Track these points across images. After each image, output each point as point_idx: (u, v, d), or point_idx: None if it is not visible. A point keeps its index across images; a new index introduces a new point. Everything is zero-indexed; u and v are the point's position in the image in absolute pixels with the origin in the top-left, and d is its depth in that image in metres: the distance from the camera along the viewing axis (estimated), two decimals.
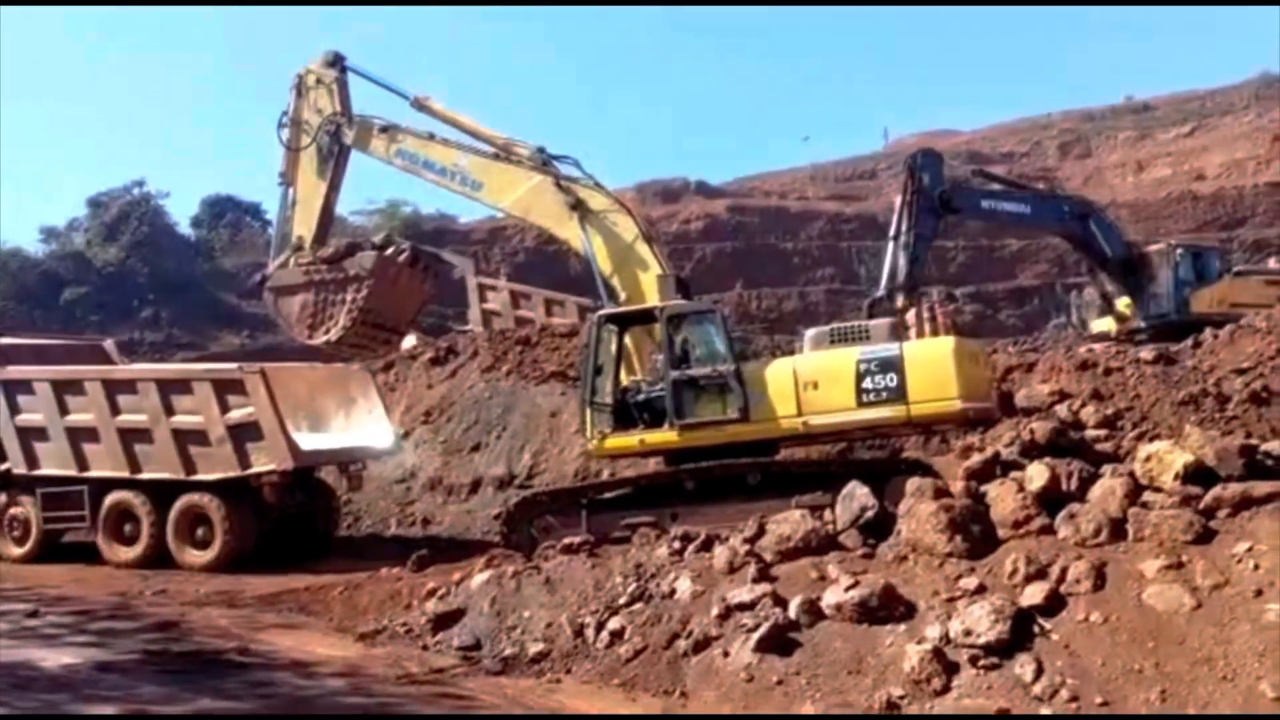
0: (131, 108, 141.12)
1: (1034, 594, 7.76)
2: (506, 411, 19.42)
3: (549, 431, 18.89)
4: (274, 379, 14.56)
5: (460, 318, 33.94)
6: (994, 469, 9.39)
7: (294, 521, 15.62)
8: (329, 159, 15.15)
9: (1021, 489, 8.77)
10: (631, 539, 11.26)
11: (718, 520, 11.09)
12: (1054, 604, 7.70)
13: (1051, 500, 8.65)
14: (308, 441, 14.81)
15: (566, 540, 11.03)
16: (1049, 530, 8.46)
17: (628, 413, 12.67)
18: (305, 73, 15.37)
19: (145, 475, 15.07)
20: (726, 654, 8.32)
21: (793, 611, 8.41)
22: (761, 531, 9.67)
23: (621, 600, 9.43)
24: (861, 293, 46.02)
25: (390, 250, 15.67)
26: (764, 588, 8.81)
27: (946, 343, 11.87)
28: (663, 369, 12.47)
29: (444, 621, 10.00)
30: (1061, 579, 7.86)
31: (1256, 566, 7.38)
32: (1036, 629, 7.57)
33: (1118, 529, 8.19)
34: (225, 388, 14.58)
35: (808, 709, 7.66)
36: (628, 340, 13.46)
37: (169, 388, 14.93)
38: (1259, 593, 7.18)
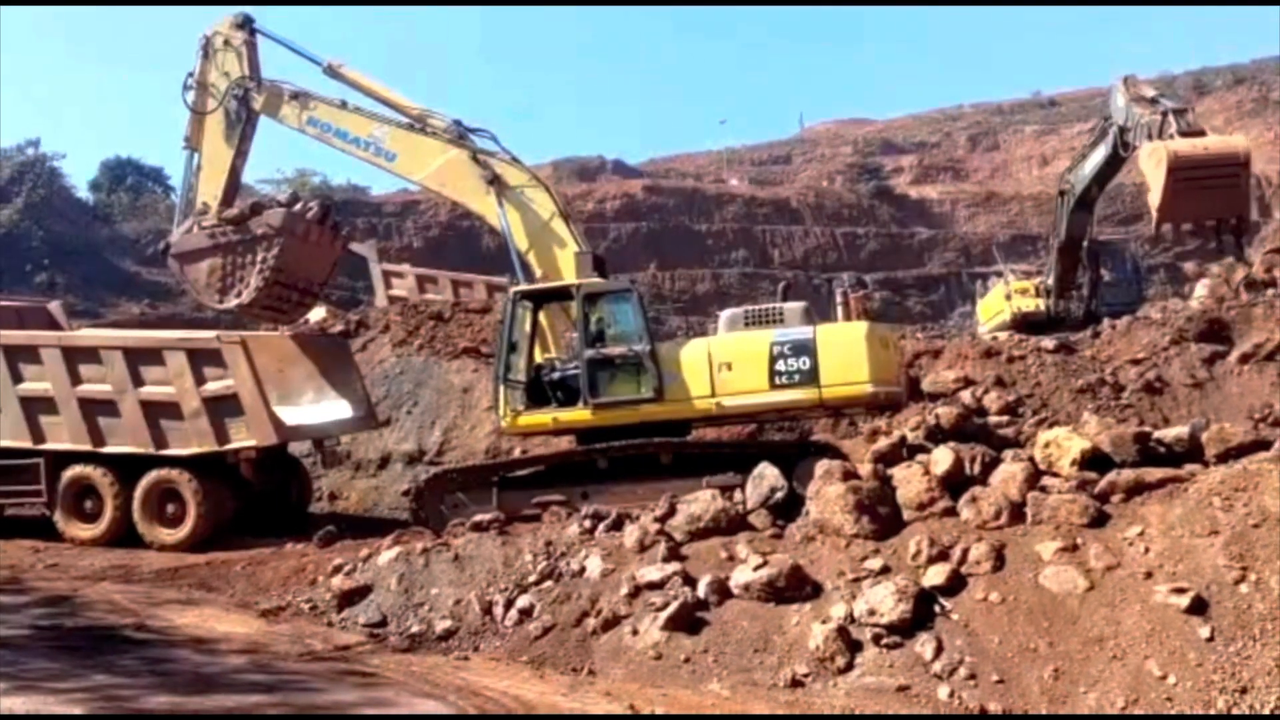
0: (25, 64, 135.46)
1: (936, 575, 7.98)
2: (417, 387, 19.20)
3: (460, 408, 18.72)
4: (254, 349, 13.88)
5: (371, 291, 33.47)
6: (901, 452, 9.60)
7: (267, 497, 14.97)
8: (236, 124, 14.66)
9: (927, 472, 8.98)
10: (542, 517, 11.25)
11: (629, 499, 11.15)
12: (955, 584, 7.92)
13: (955, 483, 8.89)
14: (289, 416, 14.15)
15: (477, 518, 10.98)
16: (952, 512, 8.69)
17: (541, 391, 12.60)
18: (212, 34, 14.84)
19: (110, 449, 14.23)
20: (635, 632, 8.38)
21: (702, 590, 8.50)
22: (672, 511, 9.74)
23: (531, 578, 9.43)
24: (775, 276, 46.58)
25: (299, 206, 15.15)
26: (674, 567, 8.89)
27: (859, 327, 12.03)
28: (578, 347, 12.42)
29: (350, 598, 9.88)
30: (963, 560, 8.09)
31: (1147, 550, 7.68)
32: (938, 609, 7.79)
33: (1017, 512, 8.45)
34: (202, 358, 13.85)
35: (714, 686, 7.75)
36: (542, 317, 13.37)
37: (138, 357, 14.07)
38: (1149, 575, 7.46)
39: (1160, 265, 51.72)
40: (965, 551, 8.15)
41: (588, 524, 10.16)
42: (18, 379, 14.46)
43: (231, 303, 14.57)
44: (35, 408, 14.43)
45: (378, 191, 59.77)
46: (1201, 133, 19.19)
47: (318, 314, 22.20)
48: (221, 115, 14.67)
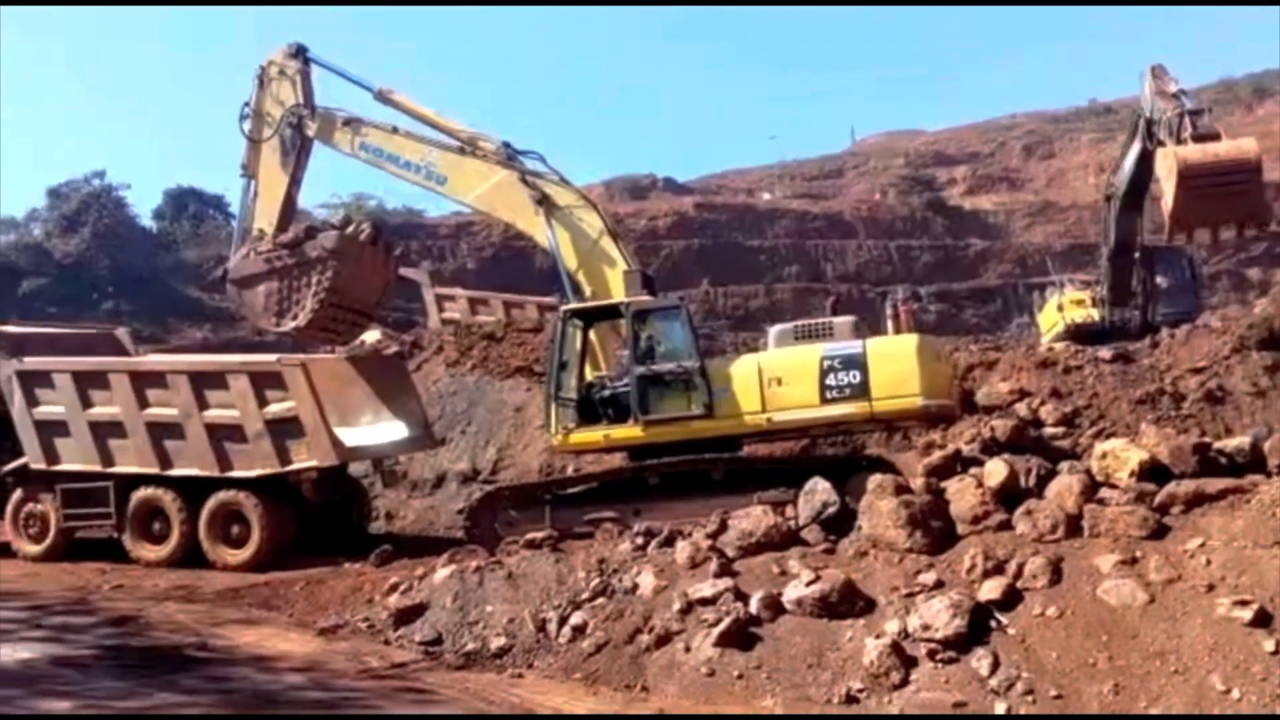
0: (94, 98, 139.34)
1: (991, 589, 7.87)
2: (471, 406, 19.38)
3: (513, 427, 18.86)
4: (314, 371, 14.13)
5: (426, 313, 33.86)
6: (954, 466, 9.51)
7: (327, 517, 15.11)
8: (291, 151, 14.96)
9: (981, 485, 8.89)
10: (595, 534, 11.28)
11: (681, 516, 11.13)
12: (1011, 599, 7.81)
13: (1010, 496, 8.78)
14: (349, 436, 14.31)
15: (530, 535, 11.01)
16: (1007, 526, 8.58)
17: (592, 408, 12.66)
18: (268, 64, 15.18)
19: (176, 472, 14.45)
20: (688, 648, 8.36)
21: (754, 606, 8.47)
22: (724, 527, 9.72)
23: (584, 595, 9.44)
24: (828, 290, 46.33)
25: (351, 228, 15.39)
26: (726, 583, 8.86)
27: (910, 340, 11.96)
28: (628, 364, 12.48)
29: (406, 616, 9.97)
30: (1018, 574, 7.98)
31: (1208, 562, 7.53)
32: (993, 623, 7.68)
33: (1074, 525, 8.32)
34: (263, 381, 14.05)
35: (768, 703, 7.71)
36: (593, 336, 13.45)
37: (202, 380, 14.30)
38: (1210, 588, 7.31)
39: (1223, 272, 50.60)
40: (1021, 565, 8.04)
41: (640, 541, 10.17)
42: (87, 404, 14.77)
43: (288, 325, 14.81)
44: (104, 432, 14.74)
45: (432, 214, 60.40)
46: (1216, 136, 19.05)
47: (373, 336, 22.49)
48: (277, 143, 14.96)
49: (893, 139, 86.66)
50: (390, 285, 16.85)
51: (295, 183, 15.28)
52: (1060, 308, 28.76)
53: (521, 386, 19.56)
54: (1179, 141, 18.73)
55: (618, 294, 12.98)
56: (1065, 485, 8.65)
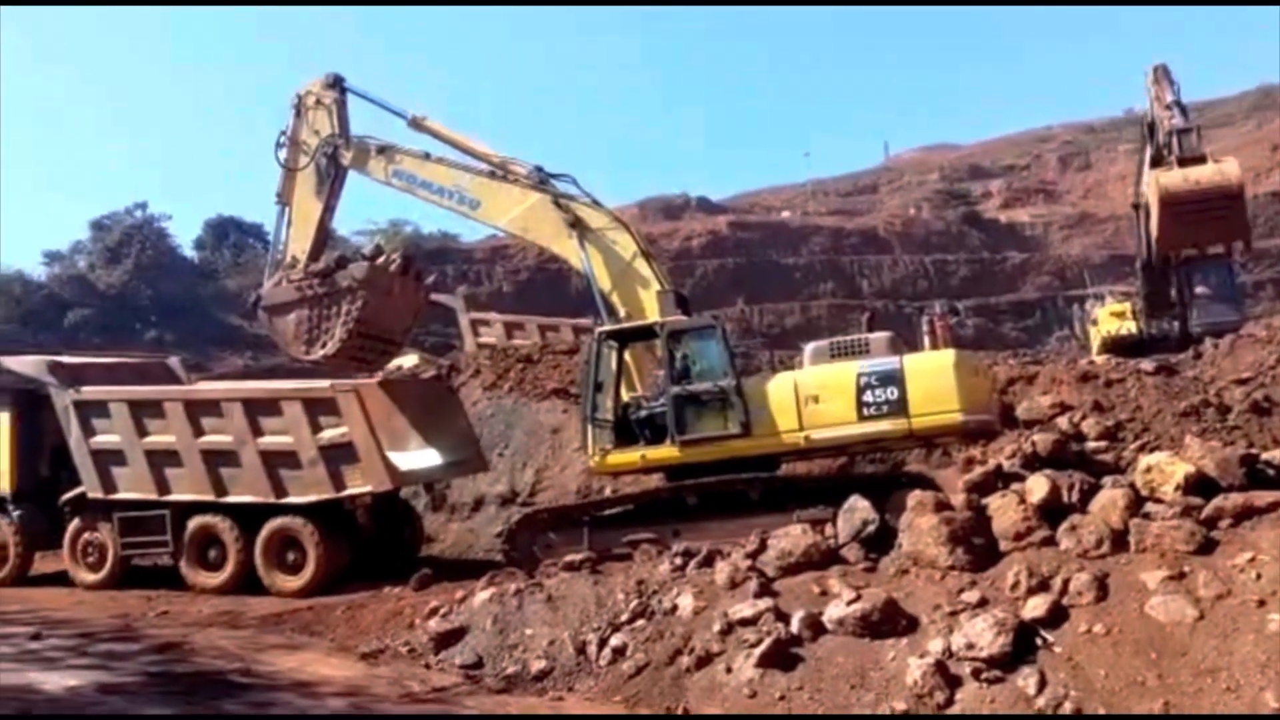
0: (135, 130, 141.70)
1: (1036, 606, 7.75)
2: (508, 429, 19.42)
3: (551, 449, 18.88)
4: (366, 396, 14.18)
5: (461, 337, 34.10)
6: (995, 481, 9.39)
7: (380, 542, 15.14)
8: (326, 180, 15.14)
9: (1023, 501, 8.77)
10: (633, 556, 11.25)
11: (719, 536, 11.07)
12: (1056, 616, 7.68)
13: (1053, 512, 8.65)
14: (402, 460, 14.34)
15: (568, 557, 11.02)
16: (1050, 542, 8.46)
17: (629, 429, 12.66)
18: (305, 93, 15.39)
19: (231, 499, 14.58)
20: (729, 670, 8.30)
21: (795, 626, 8.39)
22: (763, 546, 9.66)
23: (624, 617, 9.41)
24: (864, 306, 46.13)
25: (381, 259, 15.54)
26: (766, 603, 8.79)
27: (947, 355, 11.87)
28: (664, 385, 12.47)
29: (446, 640, 9.98)
30: (1064, 591, 7.85)
31: (1259, 576, 7.37)
32: (1039, 641, 7.55)
33: (1119, 540, 8.19)
34: (317, 407, 14.13)
35: None
36: (628, 356, 13.46)
37: (256, 408, 14.45)
38: (1261, 603, 7.16)
39: (1267, 280, 49.85)
40: (1066, 582, 7.92)
41: (679, 561, 10.13)
42: (143, 433, 14.92)
43: (318, 354, 14.95)
44: (160, 460, 14.88)
45: (467, 239, 60.97)
46: (1201, 159, 19.31)
47: (410, 360, 22.67)
48: (312, 171, 15.14)
49: (927, 154, 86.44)
50: (421, 313, 17.00)
51: (329, 211, 15.46)
52: (1094, 321, 28.45)
53: (558, 408, 19.60)
54: (1168, 159, 19.05)
55: (652, 315, 12.98)
56: (1110, 500, 8.51)
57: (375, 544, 15.05)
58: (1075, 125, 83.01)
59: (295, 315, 15.01)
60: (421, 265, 17.09)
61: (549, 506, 14.79)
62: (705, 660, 8.54)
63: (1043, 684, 7.22)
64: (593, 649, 9.19)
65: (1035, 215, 70.27)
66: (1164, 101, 20.34)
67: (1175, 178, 18.77)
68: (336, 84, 15.35)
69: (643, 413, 12.69)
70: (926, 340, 12.49)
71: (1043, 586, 7.96)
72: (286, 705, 8.44)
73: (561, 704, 8.56)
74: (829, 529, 9.84)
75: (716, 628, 8.74)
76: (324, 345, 14.83)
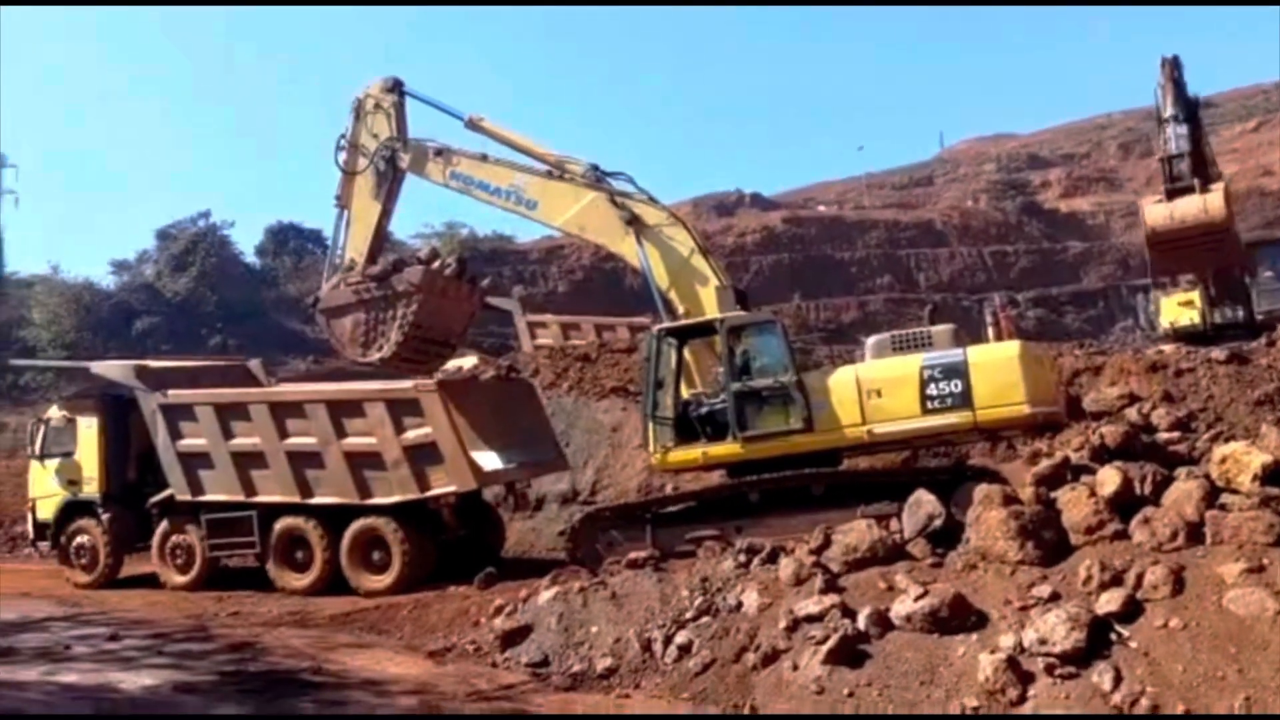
0: (197, 139, 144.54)
1: (1110, 601, 7.61)
2: (569, 428, 19.49)
3: (611, 447, 18.93)
4: (450, 396, 14.19)
5: (518, 339, 34.27)
6: (1064, 474, 9.25)
7: (462, 542, 15.18)
8: (384, 183, 15.27)
9: (1093, 494, 8.62)
10: (697, 553, 11.22)
11: (783, 532, 11.02)
12: (1131, 611, 7.54)
13: (1124, 505, 8.50)
14: (485, 460, 14.41)
15: (632, 555, 11.01)
16: (1123, 535, 8.32)
17: (690, 426, 12.63)
18: (365, 96, 15.53)
19: (317, 500, 14.73)
20: (796, 666, 8.25)
21: (862, 622, 8.32)
22: (827, 542, 9.60)
23: (688, 614, 9.41)
24: (922, 300, 45.64)
25: (436, 264, 15.65)
26: (832, 599, 8.74)
27: (1013, 346, 11.70)
28: (724, 381, 12.42)
29: (512, 638, 10.05)
30: (1138, 585, 7.70)
31: None
32: (1114, 636, 7.42)
33: (1195, 532, 8.02)
34: (400, 407, 14.21)
35: None
36: (687, 353, 13.43)
37: (340, 409, 14.56)
38: None
39: None
40: (1140, 576, 7.76)
41: (742, 558, 10.10)
42: (229, 435, 15.17)
43: (374, 356, 15.09)
44: (246, 462, 15.12)
45: (523, 240, 61.20)
46: (1190, 189, 18.99)
47: (469, 361, 22.79)
48: (371, 175, 15.29)
49: (983, 144, 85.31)
50: (476, 317, 17.07)
51: (386, 214, 15.61)
52: (1155, 311, 27.80)
53: (617, 406, 19.64)
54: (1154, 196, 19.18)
55: (710, 311, 12.94)
56: (1184, 491, 8.34)
57: (459, 544, 15.12)
58: (1136, 111, 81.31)
59: (352, 318, 15.16)
60: (476, 269, 17.15)
61: (612, 505, 14.82)
62: (771, 657, 8.51)
63: (1118, 680, 7.09)
64: (658, 646, 9.20)
65: (1096, 204, 69.03)
66: (1164, 112, 19.97)
67: (1160, 214, 19.00)
68: (395, 87, 15.48)
69: (703, 409, 12.65)
70: (990, 332, 12.36)
71: (1116, 581, 7.82)
72: (357, 703, 8.57)
73: (628, 701, 8.58)
74: (894, 524, 9.75)
75: (782, 624, 8.71)
76: (380, 348, 14.96)
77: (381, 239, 15.88)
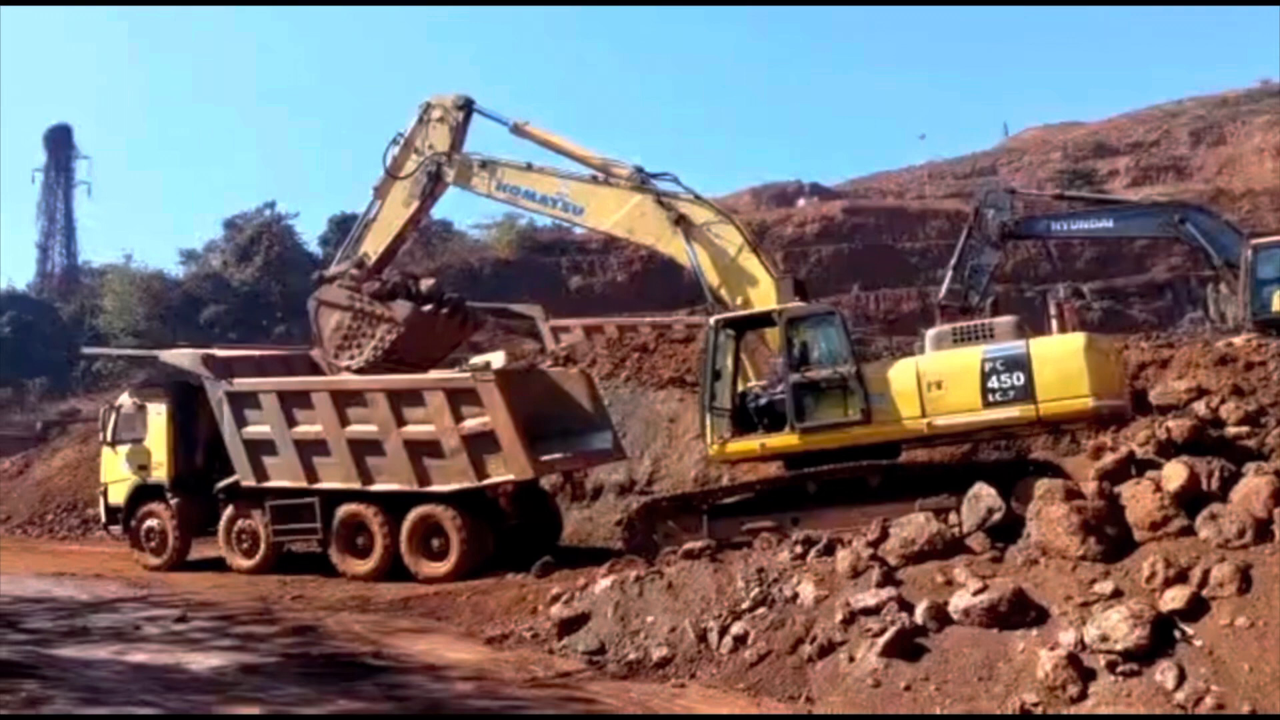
0: (266, 132, 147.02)
1: (1174, 598, 7.49)
2: (626, 418, 19.53)
3: (668, 437, 18.95)
4: (508, 385, 14.33)
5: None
6: (1128, 469, 9.09)
7: (520, 530, 15.33)
8: (421, 195, 15.49)
9: (1158, 489, 8.47)
10: (753, 543, 11.22)
11: (840, 524, 10.98)
12: (1196, 608, 7.42)
13: (1191, 500, 8.35)
14: (543, 449, 14.46)
15: (688, 545, 11.04)
16: (1189, 531, 8.16)
17: (747, 417, 12.60)
18: (434, 105, 15.66)
19: (377, 487, 14.95)
20: (852, 659, 8.24)
21: (919, 616, 8.28)
22: (885, 535, 9.54)
23: (744, 605, 9.41)
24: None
25: (428, 308, 15.83)
26: (889, 592, 8.70)
27: (1077, 339, 11.52)
28: (782, 372, 12.37)
29: (569, 626, 10.13)
30: (1204, 582, 7.57)
31: None
32: (1178, 634, 7.31)
33: (1263, 530, 7.85)
34: (459, 396, 14.33)
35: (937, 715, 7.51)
36: (744, 346, 13.38)
37: (399, 398, 14.68)
38: None
39: None
40: (1206, 573, 7.62)
41: (799, 549, 10.08)
42: (292, 423, 15.46)
43: (344, 362, 15.53)
44: (309, 449, 15.40)
45: (581, 231, 61.36)
46: None
47: (498, 357, 22.79)
48: (412, 182, 15.48)
49: (1049, 132, 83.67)
50: (460, 346, 17.66)
51: (413, 223, 16.02)
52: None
53: (674, 397, 19.63)
54: None
55: (760, 306, 12.92)
56: (1253, 487, 8.16)
57: (517, 531, 15.26)
58: (1207, 98, 79.26)
59: (338, 319, 15.61)
60: (470, 312, 17.34)
61: (669, 495, 14.84)
62: (827, 649, 8.49)
63: (1182, 678, 6.98)
64: (714, 636, 9.22)
65: (1166, 193, 67.45)
66: None
67: None
68: (466, 105, 15.61)
69: (761, 400, 12.62)
70: (1054, 324, 12.14)
71: (1181, 577, 7.70)
72: (417, 687, 8.70)
73: (683, 690, 8.61)
74: (952, 517, 9.66)
75: (838, 617, 8.68)
76: (351, 358, 15.49)
77: (399, 246, 16.34)
